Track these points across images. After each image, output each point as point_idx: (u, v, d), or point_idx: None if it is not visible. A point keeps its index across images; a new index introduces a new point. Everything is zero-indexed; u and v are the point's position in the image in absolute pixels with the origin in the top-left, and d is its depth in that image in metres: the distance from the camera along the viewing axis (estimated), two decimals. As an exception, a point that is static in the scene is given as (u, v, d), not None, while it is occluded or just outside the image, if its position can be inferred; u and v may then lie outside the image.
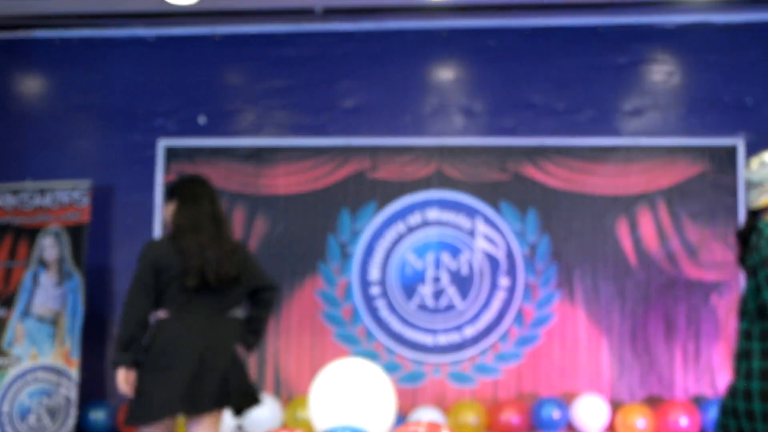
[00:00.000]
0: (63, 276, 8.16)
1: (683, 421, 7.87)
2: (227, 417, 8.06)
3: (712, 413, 7.90)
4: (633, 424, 7.92)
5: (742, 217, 8.30)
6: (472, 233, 8.43)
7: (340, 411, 4.34)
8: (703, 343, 8.22)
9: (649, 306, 8.28)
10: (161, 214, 8.53)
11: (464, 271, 8.39)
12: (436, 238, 8.44)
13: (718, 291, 8.21)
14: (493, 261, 8.39)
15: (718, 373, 8.18)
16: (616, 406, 8.11)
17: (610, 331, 8.26)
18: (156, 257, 5.72)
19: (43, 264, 8.24)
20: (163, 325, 5.66)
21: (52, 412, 7.97)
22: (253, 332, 5.87)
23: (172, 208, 5.89)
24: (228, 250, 5.81)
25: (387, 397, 4.43)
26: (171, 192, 5.94)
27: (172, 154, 8.64)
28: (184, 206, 5.84)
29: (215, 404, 5.70)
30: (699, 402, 8.08)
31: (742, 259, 4.49)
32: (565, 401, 8.08)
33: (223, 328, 5.76)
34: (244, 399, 5.74)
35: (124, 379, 5.55)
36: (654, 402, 8.13)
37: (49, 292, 8.17)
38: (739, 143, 8.38)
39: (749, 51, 8.56)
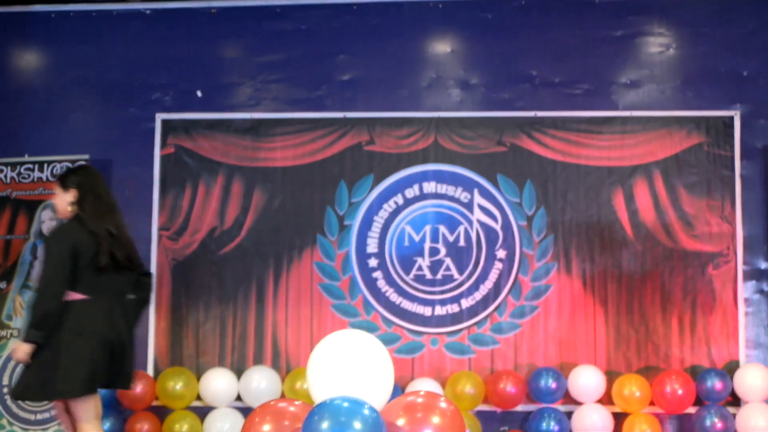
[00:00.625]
0: (62, 249, 8.19)
1: (679, 391, 7.91)
2: (229, 382, 8.12)
3: (708, 383, 7.95)
4: (629, 395, 7.96)
5: (738, 188, 8.32)
6: (469, 205, 8.45)
7: (338, 382, 4.36)
8: (698, 314, 8.25)
9: (645, 277, 8.31)
10: (158, 188, 8.55)
11: (462, 243, 8.42)
12: (433, 210, 8.47)
13: (714, 262, 8.24)
14: (490, 233, 8.42)
15: (714, 344, 8.21)
16: (612, 376, 8.15)
17: (607, 302, 8.29)
18: (74, 241, 6.07)
19: (42, 237, 8.26)
20: (79, 305, 5.93)
21: (52, 385, 8.01)
22: (140, 315, 6.42)
23: (70, 197, 6.21)
24: (127, 236, 6.28)
25: (385, 368, 4.45)
26: (66, 181, 6.26)
27: (169, 127, 8.65)
28: (86, 195, 6.23)
29: (129, 382, 6.12)
30: (695, 372, 8.12)
31: None
32: (561, 372, 8.12)
33: (127, 310, 6.16)
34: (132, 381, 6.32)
35: (28, 353, 5.87)
36: (650, 372, 8.16)
37: (48, 265, 8.19)
38: (736, 115, 8.40)
39: (746, 22, 8.56)
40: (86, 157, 8.35)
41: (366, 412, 4.12)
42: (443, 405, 4.37)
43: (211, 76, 8.75)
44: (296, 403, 4.51)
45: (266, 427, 4.36)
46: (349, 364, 4.35)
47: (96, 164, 8.42)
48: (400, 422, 4.29)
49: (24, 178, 8.40)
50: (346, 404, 4.14)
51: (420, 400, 4.41)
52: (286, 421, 4.36)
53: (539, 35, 8.65)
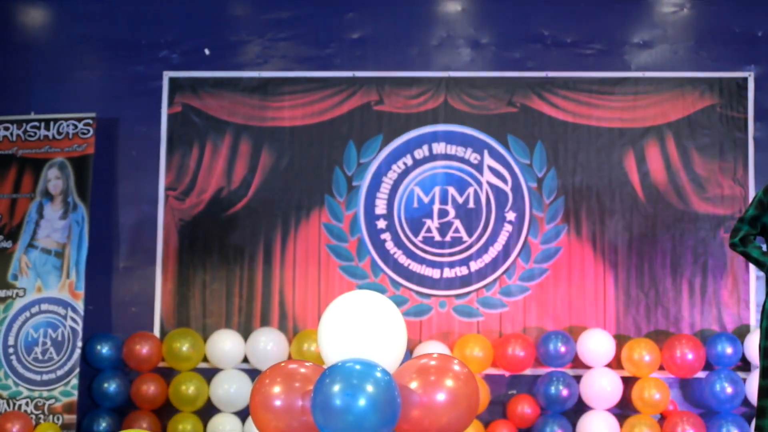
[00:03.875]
0: (68, 208, 8.14)
1: (689, 356, 7.87)
2: (236, 343, 8.09)
3: (719, 348, 7.91)
4: (639, 359, 7.92)
5: (751, 150, 8.25)
6: (478, 167, 8.38)
7: (350, 344, 4.31)
8: (709, 277, 8.20)
9: (655, 240, 8.25)
10: (165, 147, 8.48)
11: (471, 204, 8.36)
12: (442, 171, 8.40)
13: (726, 225, 8.17)
14: (499, 194, 8.35)
15: (724, 308, 8.16)
16: (621, 340, 8.10)
17: (617, 266, 8.24)
18: None
19: (48, 196, 8.21)
20: None
21: (58, 345, 7.98)
22: None
23: None
24: None
25: (398, 330, 4.39)
26: None
27: (176, 85, 8.57)
28: None
29: None
30: (705, 337, 8.07)
31: None
32: (570, 335, 8.07)
33: None
34: None
35: None
36: (659, 336, 8.12)
37: (54, 224, 8.15)
38: (749, 76, 8.32)
39: (761, -18, 8.48)
40: (92, 115, 8.27)
41: (378, 374, 4.08)
42: (457, 368, 4.32)
43: (218, 33, 8.65)
44: (307, 364, 4.46)
45: (276, 388, 4.32)
46: (361, 325, 4.30)
47: (102, 123, 8.38)
48: (413, 385, 4.24)
49: (30, 136, 8.33)
50: (358, 367, 4.10)
51: (433, 362, 4.36)
52: (296, 382, 4.32)
53: (551, -6, 8.57)
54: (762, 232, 6.06)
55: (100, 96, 8.61)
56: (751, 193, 8.18)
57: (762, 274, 8.14)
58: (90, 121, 8.26)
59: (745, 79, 8.32)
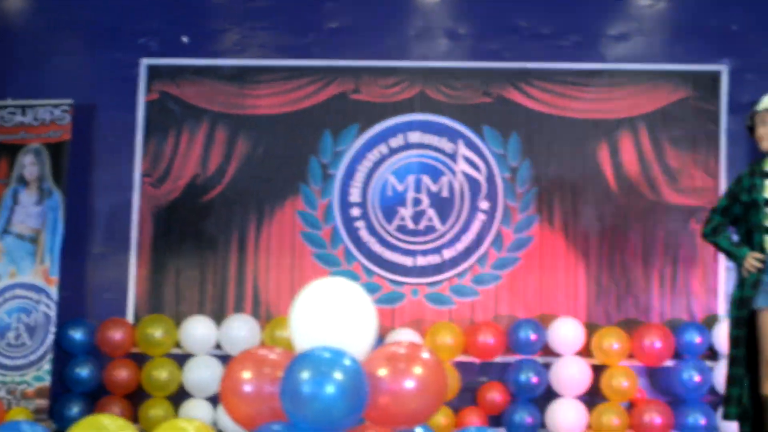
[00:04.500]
0: (43, 194, 8.14)
1: (658, 344, 7.94)
2: (209, 329, 8.11)
3: (688, 337, 7.98)
4: (608, 347, 7.99)
5: (723, 143, 8.32)
6: (453, 156, 8.42)
7: (321, 330, 4.34)
8: (680, 267, 8.27)
9: (627, 230, 8.32)
10: (142, 134, 8.49)
11: (445, 193, 8.40)
12: (417, 160, 8.44)
13: (697, 216, 8.23)
14: (473, 184, 8.39)
15: (693, 298, 8.24)
16: (591, 329, 8.17)
17: (588, 255, 8.30)
18: None
19: (23, 182, 8.20)
20: None
21: (31, 330, 7.99)
22: None
23: None
24: None
25: (368, 317, 4.43)
26: None
27: (154, 73, 8.58)
28: None
29: None
30: (674, 326, 8.14)
31: None
32: (541, 324, 8.13)
33: None
34: None
35: None
36: (629, 325, 8.19)
37: (29, 210, 8.14)
38: (723, 69, 8.38)
39: (736, -24, 8.53)
40: (70, 101, 8.27)
41: (347, 362, 4.12)
42: (425, 356, 4.35)
43: (197, 21, 8.66)
44: (277, 350, 4.49)
45: (247, 374, 4.35)
46: (332, 312, 4.33)
47: (79, 109, 8.38)
48: (382, 373, 4.28)
49: (6, 121, 8.32)
50: (326, 354, 4.13)
51: (402, 350, 4.39)
52: (266, 368, 4.35)
53: (529, -15, 8.61)
54: (733, 222, 6.13)
55: (78, 82, 8.59)
56: (722, 185, 8.25)
57: (731, 264, 8.22)
58: (67, 108, 8.26)
59: (719, 73, 8.38)
